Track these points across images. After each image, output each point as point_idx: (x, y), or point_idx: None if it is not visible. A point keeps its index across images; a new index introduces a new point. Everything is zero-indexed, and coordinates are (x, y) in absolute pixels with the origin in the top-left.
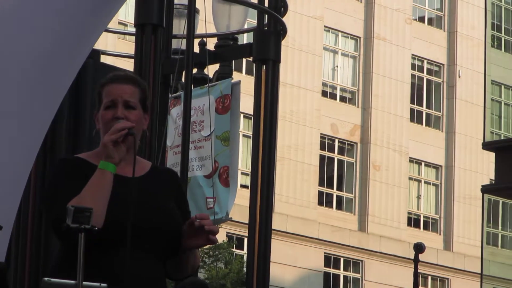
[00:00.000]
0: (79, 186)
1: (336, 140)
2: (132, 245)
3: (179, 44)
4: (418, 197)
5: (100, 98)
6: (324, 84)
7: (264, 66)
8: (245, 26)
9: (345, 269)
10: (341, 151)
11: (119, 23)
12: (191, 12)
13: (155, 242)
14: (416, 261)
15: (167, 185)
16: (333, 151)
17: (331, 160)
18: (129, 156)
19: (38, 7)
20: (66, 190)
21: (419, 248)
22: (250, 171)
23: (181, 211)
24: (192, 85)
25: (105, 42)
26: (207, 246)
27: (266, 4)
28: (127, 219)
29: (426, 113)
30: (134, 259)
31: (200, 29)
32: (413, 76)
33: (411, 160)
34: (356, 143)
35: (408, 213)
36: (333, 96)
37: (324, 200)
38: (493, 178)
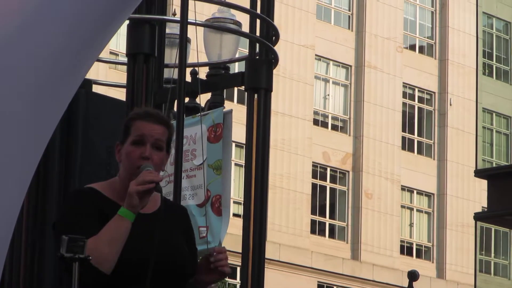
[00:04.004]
0: (94, 224)
1: (328, 169)
2: (150, 283)
3: (171, 73)
4: (411, 225)
5: (127, 131)
6: (315, 113)
7: (256, 94)
8: (237, 55)
9: None
10: (333, 180)
11: (111, 52)
12: (183, 41)
13: (168, 279)
14: None
15: (179, 222)
16: (325, 180)
17: (323, 188)
18: (162, 200)
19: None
20: (82, 228)
21: (413, 276)
22: (242, 200)
23: (190, 247)
24: (184, 114)
25: (96, 71)
26: None
27: (258, 33)
28: (146, 257)
29: (418, 141)
30: None
31: (191, 58)
32: (404, 104)
33: (403, 188)
34: (348, 171)
35: (401, 241)
36: (324, 125)
37: (316, 228)
38: (486, 205)
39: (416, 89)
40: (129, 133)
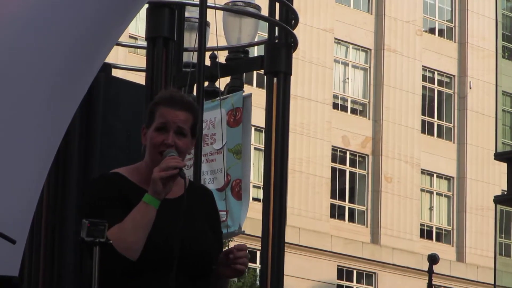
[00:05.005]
0: (118, 211)
1: (348, 153)
2: (176, 269)
3: (190, 57)
4: (430, 208)
5: (152, 117)
6: (335, 97)
7: (276, 78)
8: (256, 39)
9: (358, 282)
10: (352, 163)
11: (130, 36)
12: (202, 25)
13: (194, 265)
14: (430, 272)
15: (205, 206)
16: (344, 164)
17: (342, 172)
18: (185, 185)
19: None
20: (107, 215)
21: (433, 259)
22: (261, 184)
23: (214, 232)
24: (204, 98)
25: (116, 55)
26: None
27: (277, 17)
28: (172, 243)
29: (438, 125)
30: (176, 283)
31: (211, 42)
32: (424, 87)
33: (423, 171)
34: (368, 155)
35: (421, 224)
36: (344, 108)
37: (336, 212)
38: (505, 188)
39: (436, 73)
40: (153, 119)
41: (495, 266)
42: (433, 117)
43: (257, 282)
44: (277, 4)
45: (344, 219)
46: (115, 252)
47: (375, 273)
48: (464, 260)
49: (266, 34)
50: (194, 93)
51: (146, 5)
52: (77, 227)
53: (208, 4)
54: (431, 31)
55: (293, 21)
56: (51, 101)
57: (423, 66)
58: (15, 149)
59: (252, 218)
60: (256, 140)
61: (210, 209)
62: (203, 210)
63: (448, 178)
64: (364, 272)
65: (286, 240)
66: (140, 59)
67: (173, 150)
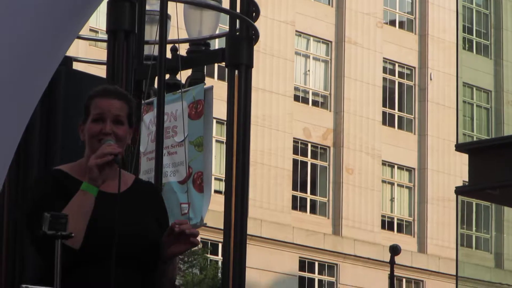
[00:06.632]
0: (62, 205)
1: (309, 144)
2: (117, 259)
3: (151, 50)
4: (392, 199)
5: (87, 111)
6: (296, 89)
7: (237, 71)
8: (217, 32)
9: (320, 273)
10: (314, 155)
11: (90, 29)
12: (163, 18)
13: (133, 256)
14: (392, 263)
15: (148, 201)
16: (306, 155)
17: (304, 164)
18: (114, 171)
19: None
20: (49, 209)
21: (395, 250)
22: (223, 176)
23: (161, 226)
24: (165, 91)
25: (76, 49)
26: None
27: (238, 9)
28: (110, 236)
29: (398, 116)
30: (115, 273)
31: (172, 35)
32: (384, 79)
33: (384, 163)
34: (329, 147)
35: (382, 216)
36: (305, 101)
37: (298, 204)
38: (467, 179)
39: (397, 64)
40: (89, 112)
41: (457, 257)
42: (394, 109)
43: (219, 275)
44: None
45: (305, 211)
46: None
47: (337, 264)
48: (425, 251)
49: (227, 27)
50: (155, 85)
51: None
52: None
53: None
54: (392, 23)
55: (254, 14)
56: (11, 96)
57: (383, 58)
58: None
59: (214, 210)
60: (218, 133)
61: (157, 204)
62: (148, 205)
63: (409, 170)
64: (326, 264)
65: (248, 232)
66: (101, 52)
67: (111, 139)
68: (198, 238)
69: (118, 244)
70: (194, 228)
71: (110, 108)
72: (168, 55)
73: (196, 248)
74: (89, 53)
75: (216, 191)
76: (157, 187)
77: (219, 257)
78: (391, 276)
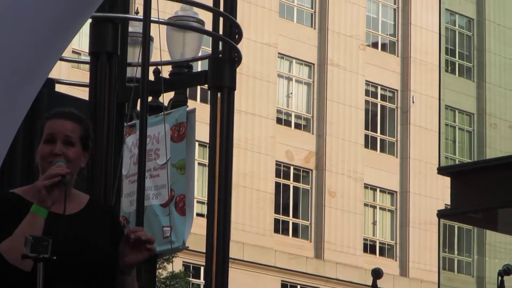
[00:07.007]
0: (14, 227)
1: (291, 167)
2: (63, 279)
3: (133, 72)
4: (374, 223)
5: (41, 134)
6: (278, 111)
7: (219, 93)
8: (200, 54)
9: None
10: (296, 178)
11: (73, 51)
12: (146, 40)
13: (84, 276)
14: (374, 286)
15: (102, 222)
16: (288, 178)
17: (286, 187)
18: (68, 192)
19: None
20: (1, 231)
21: (377, 273)
22: (205, 199)
23: (116, 246)
24: (147, 113)
25: (59, 71)
26: (164, 276)
27: (221, 31)
28: (59, 256)
29: (381, 139)
30: None
31: (154, 57)
32: (367, 102)
33: (366, 186)
34: (311, 170)
35: (364, 239)
36: (287, 123)
37: (280, 227)
38: (449, 203)
39: (379, 87)
40: (43, 134)
41: (439, 281)
42: (376, 132)
43: None
44: (221, 19)
45: (288, 234)
46: (8, 265)
47: (319, 287)
48: (407, 275)
49: (210, 49)
50: (138, 108)
51: (90, 20)
52: None
53: (151, 18)
54: (374, 45)
55: (236, 36)
56: None
57: (366, 80)
58: None
59: (196, 233)
60: (200, 155)
61: (111, 225)
62: (102, 225)
63: (391, 193)
64: (308, 287)
65: (230, 255)
66: (83, 74)
67: (62, 160)
68: (180, 263)
69: (71, 265)
70: (176, 251)
71: (61, 129)
72: (151, 77)
73: (178, 271)
74: (71, 75)
75: (198, 214)
76: (112, 207)
77: (201, 281)
78: None
